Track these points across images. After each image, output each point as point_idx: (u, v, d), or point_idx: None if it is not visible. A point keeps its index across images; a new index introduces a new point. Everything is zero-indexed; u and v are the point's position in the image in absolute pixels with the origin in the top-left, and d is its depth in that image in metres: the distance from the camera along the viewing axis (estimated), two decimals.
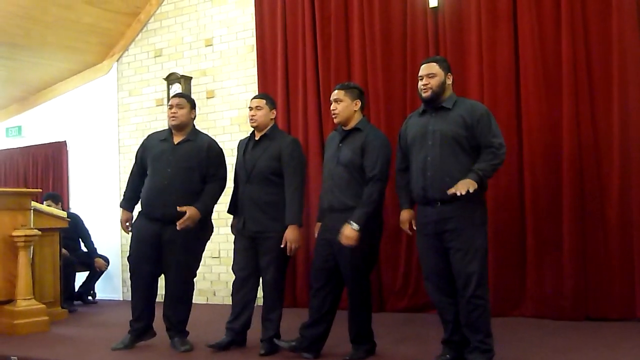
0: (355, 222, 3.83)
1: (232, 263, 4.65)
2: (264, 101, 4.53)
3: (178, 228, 4.42)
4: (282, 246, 4.28)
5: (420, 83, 3.85)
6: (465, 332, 3.68)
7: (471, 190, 3.50)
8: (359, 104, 4.16)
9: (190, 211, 4.46)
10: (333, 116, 4.16)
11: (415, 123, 3.95)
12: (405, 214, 4.07)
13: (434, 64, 3.86)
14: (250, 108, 4.53)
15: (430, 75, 3.81)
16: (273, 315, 4.40)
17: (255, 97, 4.63)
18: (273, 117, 4.57)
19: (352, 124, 4.12)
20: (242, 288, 4.51)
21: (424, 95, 3.84)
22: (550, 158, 5.23)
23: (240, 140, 4.76)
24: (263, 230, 4.37)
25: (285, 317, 4.52)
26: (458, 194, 3.51)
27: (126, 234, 4.83)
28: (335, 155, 4.13)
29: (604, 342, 4.29)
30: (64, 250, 7.10)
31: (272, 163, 4.40)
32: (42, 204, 7.31)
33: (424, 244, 3.86)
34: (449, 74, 3.86)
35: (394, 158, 4.14)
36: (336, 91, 4.17)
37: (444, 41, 5.72)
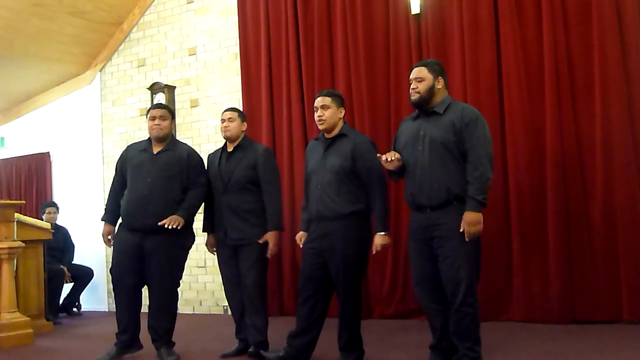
0: (383, 229, 3.99)
1: (220, 275, 4.70)
2: (236, 114, 4.67)
3: (160, 224, 4.39)
4: (261, 242, 4.41)
5: (410, 87, 3.84)
6: (454, 339, 3.66)
7: (480, 230, 3.57)
8: (343, 111, 4.18)
9: (171, 217, 4.46)
10: (319, 122, 4.14)
11: (408, 127, 3.93)
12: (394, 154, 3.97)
13: (423, 67, 3.84)
14: (223, 120, 4.65)
15: (418, 79, 3.79)
16: (257, 320, 4.43)
17: (226, 110, 4.72)
18: (244, 129, 4.72)
19: (336, 131, 4.13)
20: (236, 296, 4.58)
21: (411, 99, 3.82)
22: (533, 161, 5.25)
23: (210, 154, 4.85)
24: (244, 237, 4.46)
25: (272, 325, 4.51)
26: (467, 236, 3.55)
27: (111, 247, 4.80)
28: (321, 164, 4.11)
29: (592, 345, 4.30)
30: (61, 266, 7.10)
31: (248, 172, 4.52)
32: (44, 211, 7.32)
33: (414, 250, 3.84)
34: (440, 77, 3.82)
35: None
36: (321, 97, 4.17)
37: (426, 47, 5.74)
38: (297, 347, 4.08)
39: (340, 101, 4.18)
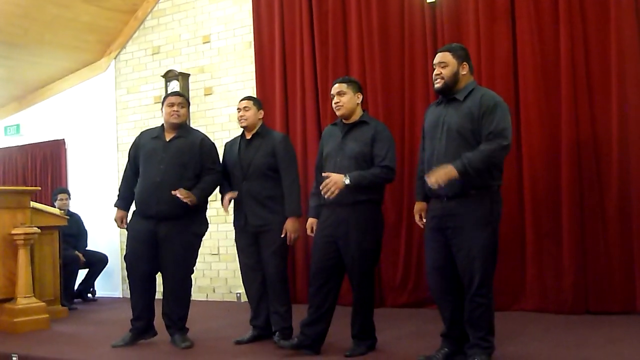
0: (350, 178, 3.85)
1: (238, 261, 4.72)
2: (252, 102, 4.68)
3: (174, 192, 4.41)
4: (282, 236, 4.40)
5: (433, 73, 3.76)
6: (467, 328, 3.65)
7: (441, 183, 3.43)
8: (361, 96, 4.19)
9: (183, 192, 4.46)
10: (337, 109, 4.14)
11: (432, 113, 3.86)
12: (417, 205, 4.00)
13: (447, 52, 3.74)
14: (239, 109, 4.66)
15: (442, 64, 3.70)
16: (280, 307, 4.46)
17: (243, 99, 4.74)
18: (261, 117, 4.71)
19: (355, 117, 4.14)
20: (254, 283, 4.62)
21: (435, 86, 3.74)
22: (549, 152, 5.23)
23: (227, 143, 4.89)
24: (265, 223, 4.48)
25: None
26: (430, 185, 3.48)
27: (125, 232, 4.83)
28: (339, 148, 4.11)
29: (606, 335, 4.29)
30: (76, 252, 7.16)
31: (267, 159, 4.53)
32: (55, 198, 7.37)
33: (429, 238, 3.81)
34: (465, 63, 3.71)
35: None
36: (337, 84, 4.17)
37: (441, 36, 5.71)
38: (311, 336, 4.10)
39: (357, 87, 4.18)
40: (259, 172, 4.53)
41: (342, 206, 3.99)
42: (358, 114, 4.16)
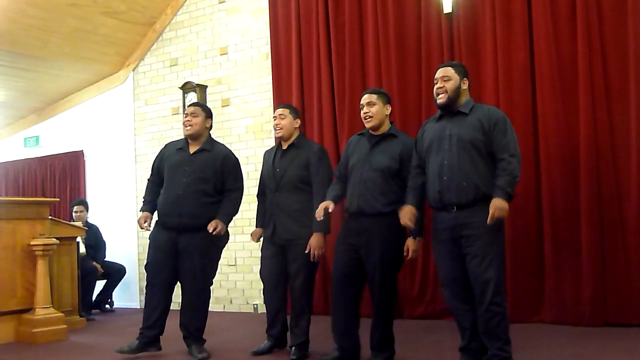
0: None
1: (260, 270, 4.71)
2: (288, 110, 4.62)
3: (210, 230, 4.46)
4: (306, 252, 4.34)
5: (435, 87, 3.82)
6: (484, 340, 3.64)
7: (504, 215, 3.53)
8: (390, 108, 4.20)
9: (214, 223, 4.50)
10: (366, 120, 4.13)
11: (432, 128, 3.90)
12: (407, 208, 3.87)
13: (449, 67, 3.84)
14: (275, 117, 4.62)
15: (445, 78, 3.78)
16: (302, 322, 4.44)
17: (279, 107, 4.71)
18: (297, 125, 4.64)
19: (383, 129, 4.15)
20: (274, 294, 4.60)
21: (439, 101, 3.80)
22: (567, 162, 5.19)
23: (266, 151, 4.84)
24: (294, 237, 4.43)
25: None
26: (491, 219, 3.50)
27: (143, 243, 4.85)
28: (365, 160, 4.10)
29: (625, 348, 4.24)
30: (94, 263, 7.20)
31: (300, 172, 4.48)
32: (72, 209, 7.43)
33: (440, 251, 3.81)
34: (465, 79, 3.82)
35: None
36: (367, 95, 4.18)
37: (458, 46, 5.71)
38: (349, 348, 4.13)
39: (386, 98, 4.19)
40: (291, 184, 4.47)
41: (367, 216, 4.01)
42: (386, 125, 4.17)
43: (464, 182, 3.62)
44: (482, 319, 3.60)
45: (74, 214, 7.45)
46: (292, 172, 4.48)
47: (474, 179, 3.61)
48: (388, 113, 4.17)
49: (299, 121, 4.66)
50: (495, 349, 3.58)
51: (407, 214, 3.85)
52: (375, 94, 4.17)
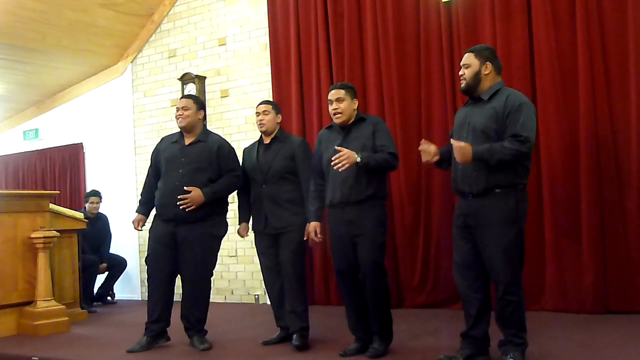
0: (361, 156, 3.87)
1: (256, 263, 4.70)
2: (270, 107, 4.73)
3: (179, 204, 4.50)
4: (305, 239, 4.41)
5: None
6: (498, 326, 3.65)
7: (462, 159, 3.51)
8: (357, 102, 4.22)
9: (194, 192, 4.52)
10: (336, 116, 4.13)
11: (460, 114, 3.90)
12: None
13: (470, 53, 3.78)
14: (258, 113, 4.72)
15: (465, 65, 3.76)
16: (297, 307, 4.46)
17: (261, 103, 4.79)
18: (279, 121, 4.76)
19: (351, 120, 4.16)
20: (275, 285, 4.65)
21: (460, 87, 3.82)
22: (567, 150, 5.18)
23: (245, 148, 4.92)
24: (285, 225, 4.51)
25: None
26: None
27: (143, 235, 4.86)
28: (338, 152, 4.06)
29: (627, 335, 4.25)
30: (94, 257, 7.21)
31: (286, 163, 4.57)
32: (87, 200, 7.42)
33: (456, 236, 3.81)
34: (488, 63, 3.71)
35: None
36: (335, 90, 4.17)
37: (457, 36, 5.68)
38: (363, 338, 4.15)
39: (353, 93, 4.20)
40: (278, 175, 4.56)
41: (351, 205, 4.02)
42: (354, 117, 4.18)
43: (475, 171, 3.59)
44: (497, 307, 3.61)
45: (88, 205, 7.43)
46: (278, 164, 4.57)
47: (485, 169, 3.56)
48: (355, 107, 4.18)
49: (280, 116, 4.77)
50: (509, 335, 3.60)
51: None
52: (343, 89, 4.16)
